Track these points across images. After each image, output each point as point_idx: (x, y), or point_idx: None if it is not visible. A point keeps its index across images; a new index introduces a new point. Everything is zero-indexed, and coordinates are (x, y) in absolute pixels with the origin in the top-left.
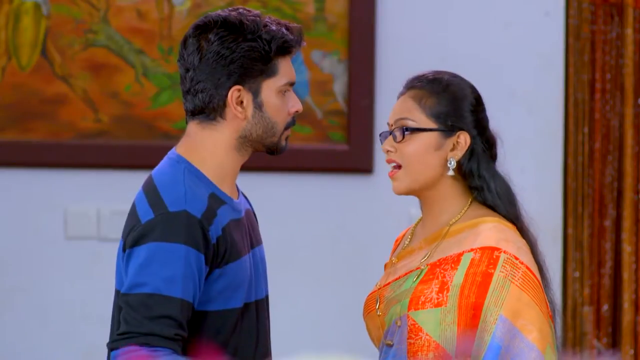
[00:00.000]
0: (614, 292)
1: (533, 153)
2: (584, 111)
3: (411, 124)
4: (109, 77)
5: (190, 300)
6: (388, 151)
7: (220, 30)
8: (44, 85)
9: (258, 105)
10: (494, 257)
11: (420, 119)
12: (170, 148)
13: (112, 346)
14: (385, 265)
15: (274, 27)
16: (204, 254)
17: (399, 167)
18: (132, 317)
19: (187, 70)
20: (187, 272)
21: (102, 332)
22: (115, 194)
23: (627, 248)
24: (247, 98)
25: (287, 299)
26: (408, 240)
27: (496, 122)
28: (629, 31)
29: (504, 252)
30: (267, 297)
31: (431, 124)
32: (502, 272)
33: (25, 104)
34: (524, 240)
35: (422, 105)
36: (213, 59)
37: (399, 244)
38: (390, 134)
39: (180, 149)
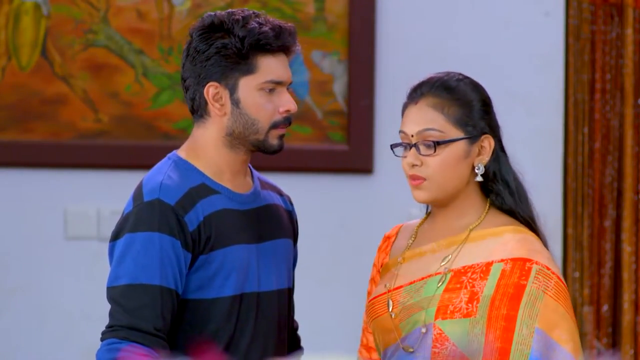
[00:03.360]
0: (614, 292)
1: (533, 153)
2: (583, 111)
3: (438, 134)
4: (109, 77)
5: (171, 287)
6: (413, 165)
7: (203, 29)
8: (44, 85)
9: (235, 102)
10: (526, 268)
11: (446, 128)
12: (170, 148)
13: (101, 339)
14: (386, 265)
15: (253, 25)
16: (180, 239)
17: (424, 178)
18: (115, 310)
19: (182, 69)
20: (163, 258)
21: None
22: (115, 194)
23: (627, 248)
24: (224, 94)
25: None
26: (412, 239)
27: None
28: (629, 31)
29: (536, 263)
30: (280, 290)
31: (458, 133)
32: (535, 283)
33: (25, 104)
34: (548, 250)
35: (445, 114)
36: (192, 56)
37: (392, 242)
38: (411, 147)
39: (180, 149)
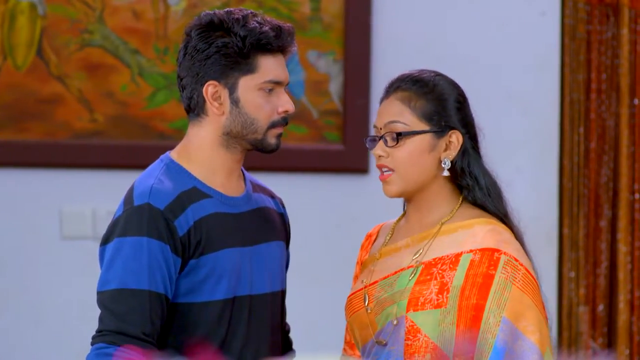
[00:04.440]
0: (609, 292)
1: (529, 153)
2: (579, 111)
3: (403, 127)
4: (105, 77)
5: (160, 291)
6: (380, 156)
7: (202, 28)
8: (40, 85)
9: (235, 101)
10: (495, 258)
11: (412, 121)
12: (166, 148)
13: (91, 343)
14: (364, 262)
15: (254, 25)
16: (169, 244)
17: (391, 170)
18: (104, 315)
19: (178, 67)
20: (152, 263)
21: None
22: (110, 194)
23: (622, 248)
24: (223, 94)
25: None
26: (389, 236)
27: (492, 122)
28: (625, 31)
29: (505, 253)
30: (273, 293)
31: (423, 126)
32: (503, 273)
33: (21, 104)
34: (521, 244)
35: (412, 107)
36: (192, 54)
37: (373, 240)
38: (379, 139)
39: (173, 150)
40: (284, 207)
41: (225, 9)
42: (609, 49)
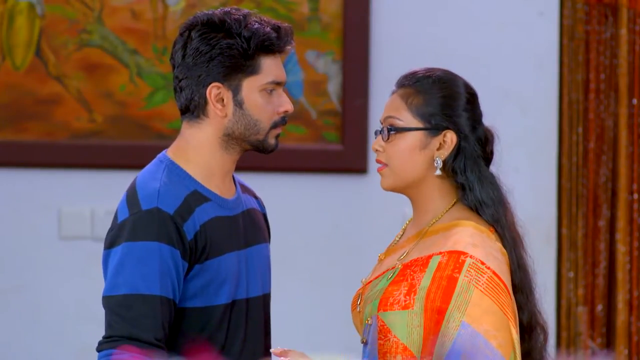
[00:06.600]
0: (608, 292)
1: (527, 153)
2: (578, 111)
3: (397, 123)
4: (103, 77)
5: (169, 297)
6: (377, 150)
7: (202, 28)
8: (38, 85)
9: (238, 103)
10: (460, 261)
11: (407, 118)
12: (164, 148)
13: (97, 349)
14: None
15: (256, 26)
16: (179, 249)
17: (385, 165)
18: (114, 320)
19: (174, 68)
20: (163, 268)
21: (96, 332)
22: (109, 194)
23: (621, 248)
24: (227, 95)
25: (281, 299)
26: (399, 236)
27: (490, 122)
28: (623, 31)
29: (470, 256)
30: (265, 295)
31: (417, 123)
32: (467, 276)
33: (19, 104)
34: (498, 245)
35: (409, 104)
36: (193, 56)
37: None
38: (379, 133)
39: (170, 149)
40: (264, 207)
41: (221, 9)
42: (607, 49)
